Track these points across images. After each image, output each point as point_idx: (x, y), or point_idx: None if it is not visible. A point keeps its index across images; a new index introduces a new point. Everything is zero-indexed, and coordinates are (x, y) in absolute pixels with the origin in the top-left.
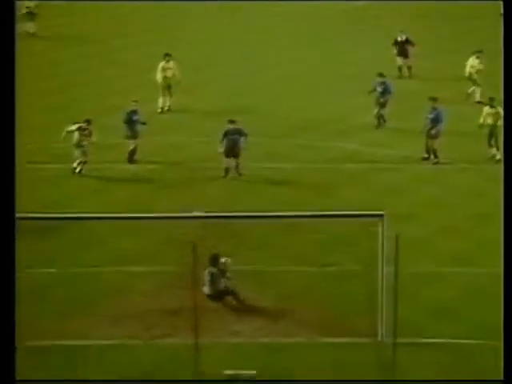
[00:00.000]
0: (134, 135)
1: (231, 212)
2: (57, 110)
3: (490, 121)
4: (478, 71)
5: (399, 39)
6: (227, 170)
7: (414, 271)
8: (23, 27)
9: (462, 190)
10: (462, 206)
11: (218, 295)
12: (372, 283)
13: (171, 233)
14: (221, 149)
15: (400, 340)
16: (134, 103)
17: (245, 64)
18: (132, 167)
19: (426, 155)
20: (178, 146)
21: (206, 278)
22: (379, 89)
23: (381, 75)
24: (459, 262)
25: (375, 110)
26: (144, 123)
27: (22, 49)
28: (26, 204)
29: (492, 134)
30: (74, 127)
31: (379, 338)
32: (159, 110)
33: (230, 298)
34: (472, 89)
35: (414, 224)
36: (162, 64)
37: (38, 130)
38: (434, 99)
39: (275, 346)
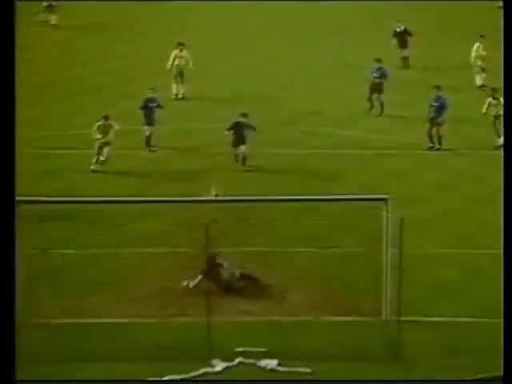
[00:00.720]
0: (150, 122)
1: (241, 196)
2: (78, 96)
3: (493, 112)
4: (481, 57)
5: (398, 30)
6: (237, 156)
7: (417, 252)
8: (45, 19)
9: (464, 175)
10: (464, 189)
11: (227, 287)
12: (376, 264)
13: (185, 216)
14: (229, 135)
15: (403, 318)
16: (150, 91)
17: (255, 54)
18: (147, 152)
19: (431, 144)
20: (191, 132)
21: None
22: (376, 74)
23: (378, 61)
24: (461, 244)
25: (368, 95)
26: (162, 106)
27: (45, 39)
28: (48, 188)
29: (496, 124)
30: (95, 127)
31: (383, 317)
32: (173, 97)
33: (243, 284)
34: (482, 76)
35: (417, 207)
36: (175, 52)
37: (60, 116)
38: (437, 87)
39: (284, 325)
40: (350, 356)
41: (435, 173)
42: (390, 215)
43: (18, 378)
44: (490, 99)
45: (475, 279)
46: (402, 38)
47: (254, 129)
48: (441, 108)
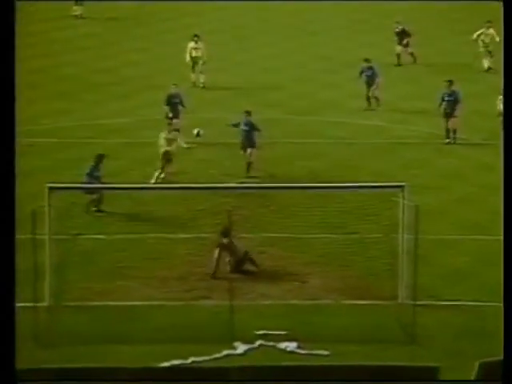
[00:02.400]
0: (174, 116)
1: (264, 183)
2: (105, 87)
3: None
4: (487, 42)
5: (397, 30)
6: (249, 165)
7: (431, 238)
8: (76, 13)
9: (476, 164)
10: (476, 178)
11: (239, 264)
12: (393, 250)
13: (208, 202)
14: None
15: (419, 302)
16: (173, 86)
17: (273, 46)
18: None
19: (447, 140)
20: (213, 121)
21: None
22: (367, 73)
23: (366, 60)
24: (473, 230)
25: (366, 93)
26: (184, 105)
27: (74, 31)
28: (78, 175)
29: None
30: (162, 136)
31: (399, 301)
32: (192, 87)
33: (247, 264)
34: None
35: (432, 195)
36: (191, 45)
37: (90, 106)
38: (450, 82)
39: (303, 308)
40: (366, 339)
41: (449, 161)
42: (406, 202)
43: (48, 360)
44: (501, 97)
45: (488, 264)
46: (401, 37)
47: (258, 130)
48: (454, 102)
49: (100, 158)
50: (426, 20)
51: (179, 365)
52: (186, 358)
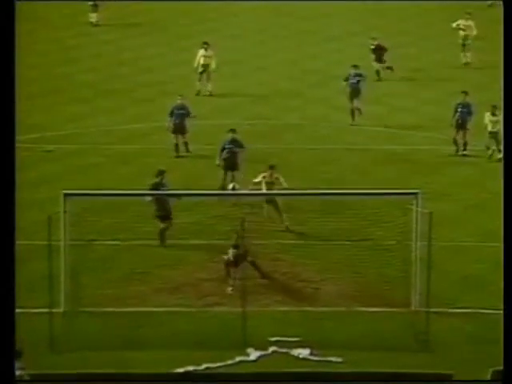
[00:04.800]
0: (181, 129)
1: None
2: (123, 93)
3: (489, 127)
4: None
5: (371, 47)
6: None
7: (445, 245)
8: (91, 20)
9: (489, 172)
10: (489, 185)
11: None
12: (406, 257)
13: (222, 209)
14: (218, 161)
15: (432, 310)
16: (179, 97)
17: (288, 52)
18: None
19: (456, 147)
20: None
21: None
22: (353, 80)
23: (355, 67)
24: (487, 237)
25: (349, 103)
26: (189, 115)
27: (91, 38)
28: (94, 181)
29: (492, 140)
30: (259, 178)
31: (413, 308)
32: (206, 94)
33: (250, 269)
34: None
35: (445, 202)
36: (201, 52)
37: (107, 112)
38: (465, 93)
39: (316, 315)
40: (379, 346)
41: (462, 169)
42: (419, 209)
43: (63, 365)
44: (488, 114)
45: (501, 272)
46: (377, 53)
47: (243, 148)
48: (467, 113)
49: (162, 173)
50: (437, 24)
51: (193, 371)
52: (199, 364)
